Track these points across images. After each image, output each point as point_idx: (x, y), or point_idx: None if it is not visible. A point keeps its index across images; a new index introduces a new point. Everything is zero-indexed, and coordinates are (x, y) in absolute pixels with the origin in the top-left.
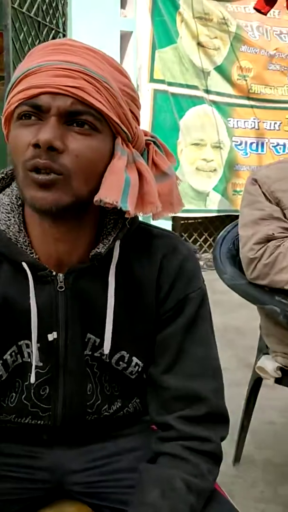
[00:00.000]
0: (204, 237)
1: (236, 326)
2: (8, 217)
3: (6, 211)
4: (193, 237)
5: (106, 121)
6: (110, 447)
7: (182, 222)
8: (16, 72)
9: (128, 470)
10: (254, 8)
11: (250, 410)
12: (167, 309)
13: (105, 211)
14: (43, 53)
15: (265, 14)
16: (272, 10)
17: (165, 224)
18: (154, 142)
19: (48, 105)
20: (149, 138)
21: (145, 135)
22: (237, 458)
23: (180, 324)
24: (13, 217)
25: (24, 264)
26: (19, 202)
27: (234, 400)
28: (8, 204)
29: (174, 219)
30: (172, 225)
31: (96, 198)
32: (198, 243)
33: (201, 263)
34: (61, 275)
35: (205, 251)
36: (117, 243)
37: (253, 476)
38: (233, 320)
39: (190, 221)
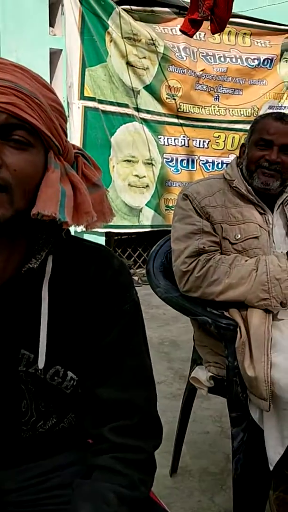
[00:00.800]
0: (138, 252)
1: (171, 339)
2: None
3: None
4: (127, 253)
5: (39, 136)
6: (46, 464)
7: (116, 238)
8: None
9: (64, 486)
10: (180, 30)
11: (186, 421)
12: (101, 322)
13: (36, 225)
14: None
15: (191, 36)
16: (198, 32)
17: (99, 240)
18: (82, 155)
19: None
20: (77, 151)
21: (73, 148)
22: (173, 469)
23: (114, 336)
24: None
25: None
26: None
27: (170, 412)
28: None
29: (107, 234)
30: (106, 240)
31: (34, 211)
32: (132, 258)
33: (135, 278)
34: None
35: (139, 266)
36: (50, 258)
37: (190, 486)
38: (168, 333)
39: (123, 237)
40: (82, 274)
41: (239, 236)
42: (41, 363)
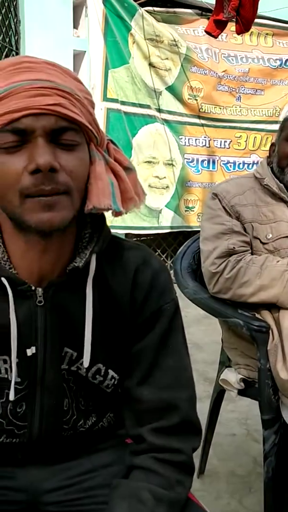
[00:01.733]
0: (157, 253)
1: (194, 342)
2: None
3: None
4: None
5: (82, 131)
6: (85, 464)
7: (135, 239)
8: None
9: (103, 486)
10: (205, 31)
11: (214, 423)
12: (142, 321)
13: (81, 223)
14: (5, 75)
15: (215, 37)
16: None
17: None
18: (111, 141)
19: (31, 127)
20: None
21: None
22: (201, 471)
23: (154, 336)
24: None
25: (3, 279)
26: None
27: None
28: None
29: (126, 236)
30: None
31: (89, 206)
32: None
33: None
34: (40, 289)
35: None
36: (93, 257)
37: (218, 488)
38: (191, 335)
39: (142, 238)
40: (123, 273)
41: (271, 235)
42: (86, 362)
